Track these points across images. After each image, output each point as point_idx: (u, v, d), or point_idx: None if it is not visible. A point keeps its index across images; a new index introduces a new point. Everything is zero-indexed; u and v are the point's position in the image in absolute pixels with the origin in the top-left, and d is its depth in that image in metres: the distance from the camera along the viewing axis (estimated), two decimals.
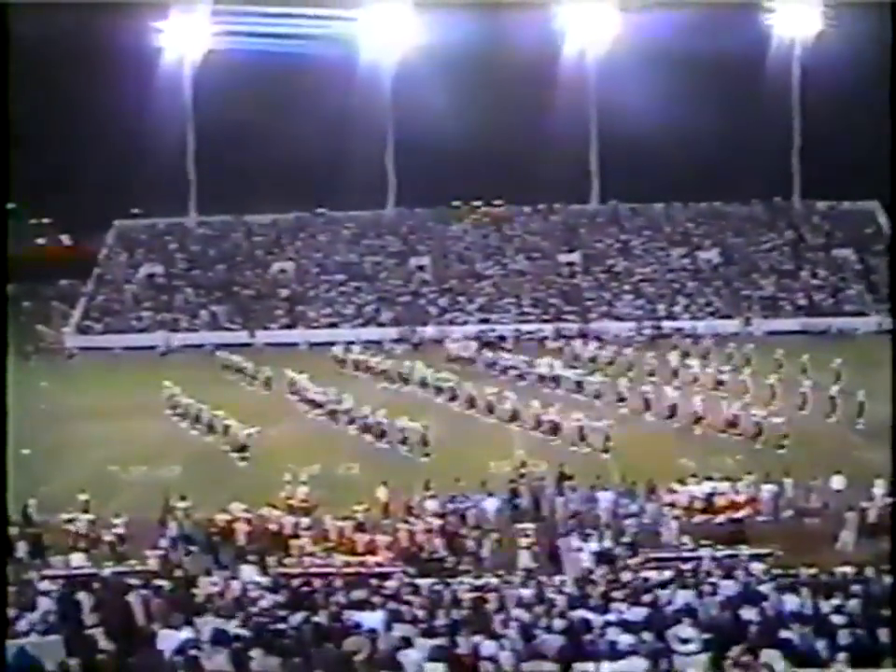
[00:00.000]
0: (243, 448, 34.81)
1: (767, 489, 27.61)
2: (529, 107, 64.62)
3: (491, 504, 27.36)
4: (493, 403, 38.93)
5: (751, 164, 65.03)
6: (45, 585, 20.01)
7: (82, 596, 18.28)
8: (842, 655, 13.46)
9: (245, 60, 60.90)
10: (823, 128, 64.05)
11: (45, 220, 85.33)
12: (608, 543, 24.16)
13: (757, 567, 20.98)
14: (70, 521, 26.93)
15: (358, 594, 19.14)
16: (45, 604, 17.69)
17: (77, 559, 24.71)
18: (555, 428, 35.38)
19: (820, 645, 13.83)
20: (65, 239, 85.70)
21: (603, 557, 23.23)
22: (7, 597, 15.77)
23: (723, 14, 59.25)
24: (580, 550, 23.96)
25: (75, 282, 68.80)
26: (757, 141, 64.32)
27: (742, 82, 63.15)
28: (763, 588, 17.50)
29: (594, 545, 24.03)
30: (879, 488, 26.55)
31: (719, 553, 22.83)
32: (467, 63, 61.13)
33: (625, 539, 24.58)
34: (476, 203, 72.92)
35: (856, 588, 17.06)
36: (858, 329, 57.42)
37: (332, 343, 53.16)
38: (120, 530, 26.35)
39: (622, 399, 39.75)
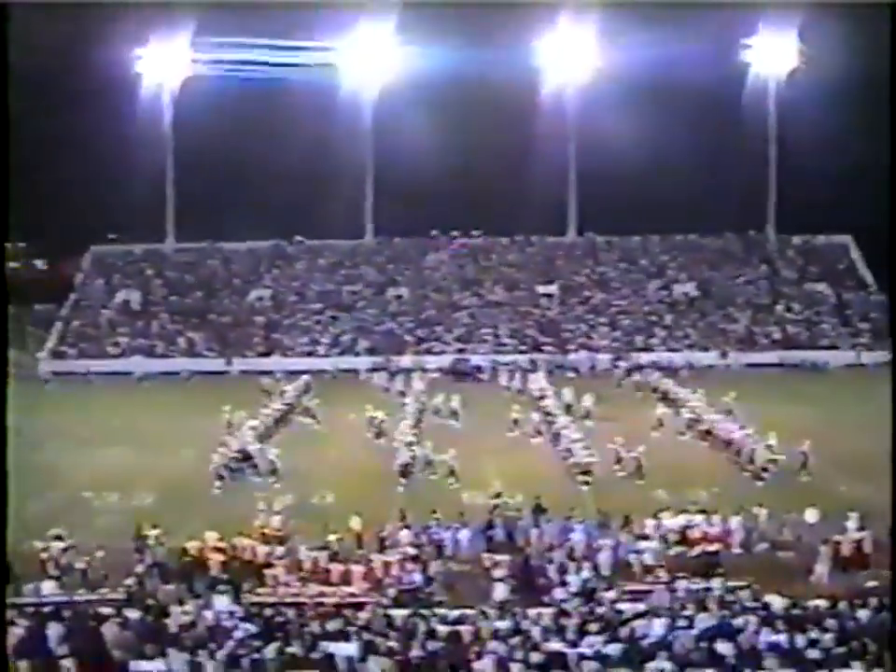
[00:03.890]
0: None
1: (741, 522, 27.63)
2: (508, 139, 65.00)
3: (465, 535, 27.20)
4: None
5: (727, 198, 65.63)
6: (13, 613, 19.73)
7: (53, 625, 18.05)
8: None
9: (225, 87, 61.11)
10: (798, 163, 64.75)
11: (20, 244, 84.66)
12: (584, 575, 24.06)
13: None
14: (43, 549, 26.55)
15: (333, 624, 19.02)
16: (14, 632, 17.45)
17: (49, 587, 24.39)
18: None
19: None
20: (40, 263, 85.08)
21: (579, 590, 23.13)
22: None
23: (700, 50, 59.91)
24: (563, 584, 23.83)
25: (50, 307, 68.36)
26: (732, 175, 64.94)
27: (718, 117, 63.86)
28: (739, 621, 17.50)
29: (570, 577, 23.93)
30: (852, 521, 26.64)
31: (694, 586, 22.80)
32: (447, 93, 61.50)
33: (601, 572, 24.49)
34: (454, 234, 73.12)
35: (830, 622, 17.09)
36: (829, 363, 57.85)
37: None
38: (91, 559, 25.99)
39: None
